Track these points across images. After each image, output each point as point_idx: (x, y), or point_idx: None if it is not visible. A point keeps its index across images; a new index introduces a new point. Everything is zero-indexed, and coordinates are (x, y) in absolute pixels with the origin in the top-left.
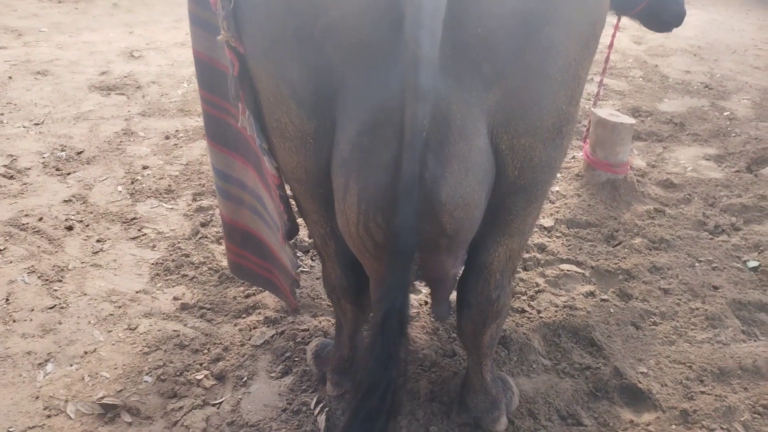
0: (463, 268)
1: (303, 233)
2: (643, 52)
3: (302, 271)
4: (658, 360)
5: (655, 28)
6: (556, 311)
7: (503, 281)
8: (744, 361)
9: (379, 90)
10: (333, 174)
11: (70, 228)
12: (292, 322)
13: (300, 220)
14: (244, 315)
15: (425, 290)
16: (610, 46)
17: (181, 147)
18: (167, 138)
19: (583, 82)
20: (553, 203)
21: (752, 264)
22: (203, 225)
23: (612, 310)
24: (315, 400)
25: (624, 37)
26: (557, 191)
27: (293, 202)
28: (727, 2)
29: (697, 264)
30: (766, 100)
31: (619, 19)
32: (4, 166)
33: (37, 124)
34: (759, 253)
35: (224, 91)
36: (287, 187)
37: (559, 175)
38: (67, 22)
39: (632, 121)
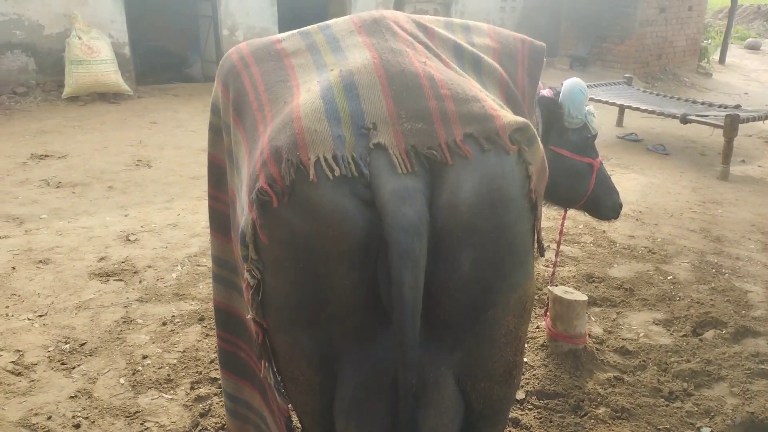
0: None
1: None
2: (592, 218)
3: None
4: None
5: (596, 218)
6: None
7: None
8: None
9: (371, 357)
10: (335, 415)
11: (77, 426)
12: None
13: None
14: None
15: None
16: (560, 233)
17: (177, 333)
18: (164, 324)
19: (524, 339)
20: (523, 375)
21: (705, 430)
22: (202, 415)
23: None
24: None
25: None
26: (525, 361)
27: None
28: (662, 164)
29: None
30: (704, 263)
31: (566, 211)
32: (12, 362)
33: (40, 316)
34: (710, 419)
35: (237, 331)
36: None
37: (526, 345)
38: (65, 207)
39: (584, 297)
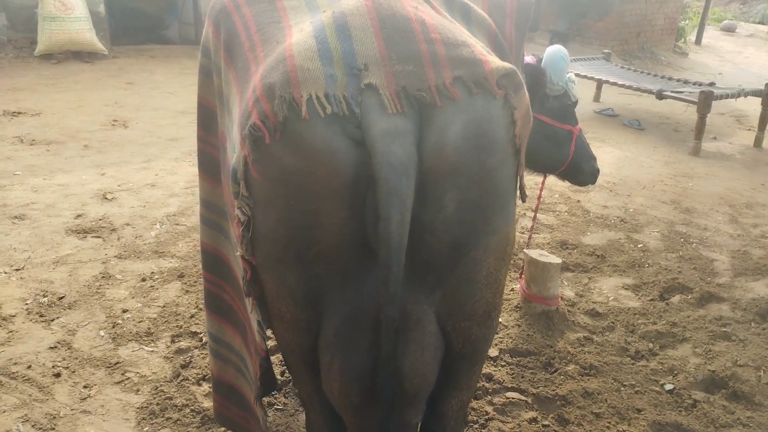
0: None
1: (276, 371)
2: (567, 188)
3: (276, 409)
4: None
5: (575, 184)
6: None
7: (457, 426)
8: None
9: (355, 294)
10: (320, 351)
11: (57, 375)
12: None
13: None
14: None
15: None
16: (538, 198)
17: (157, 289)
18: (144, 280)
19: (503, 282)
20: (498, 333)
21: (668, 387)
22: (183, 367)
23: None
24: None
25: (551, 176)
26: (500, 322)
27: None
28: (636, 139)
29: (622, 389)
30: (673, 232)
31: (545, 177)
32: None
33: (17, 270)
34: (674, 376)
35: (222, 273)
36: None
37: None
38: (40, 164)
39: (558, 260)
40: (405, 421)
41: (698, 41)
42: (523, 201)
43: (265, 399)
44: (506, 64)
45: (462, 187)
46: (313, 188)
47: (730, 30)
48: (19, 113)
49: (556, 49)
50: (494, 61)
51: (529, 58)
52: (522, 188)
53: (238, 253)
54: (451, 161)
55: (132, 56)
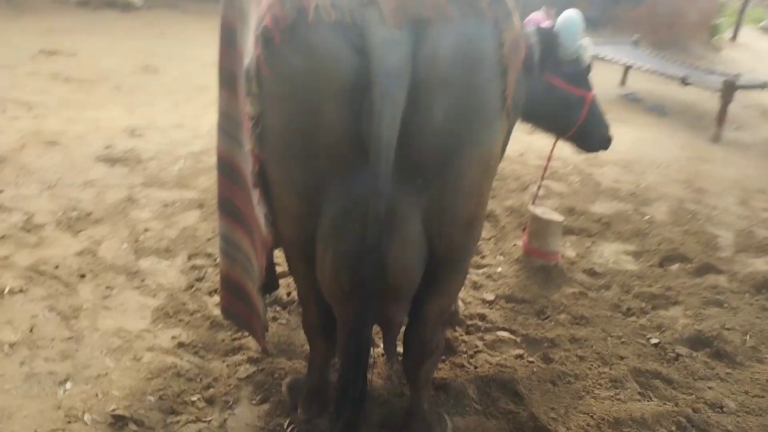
0: (406, 319)
1: (282, 292)
2: (582, 161)
3: (280, 324)
4: (567, 410)
5: (585, 150)
6: (489, 368)
7: (436, 328)
8: (635, 414)
9: (351, 189)
10: (317, 242)
11: (82, 276)
12: (271, 362)
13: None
14: (231, 354)
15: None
16: (549, 158)
17: (177, 215)
18: (165, 206)
19: (487, 194)
20: (496, 281)
21: (654, 341)
22: (197, 280)
23: (535, 370)
24: (287, 422)
25: (567, 147)
26: (500, 272)
27: (281, 266)
28: (658, 123)
29: (609, 338)
30: (681, 209)
31: (556, 140)
32: (22, 221)
33: (49, 188)
34: (660, 332)
35: (235, 179)
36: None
37: (501, 258)
38: (73, 99)
39: (561, 218)
40: (389, 318)
41: (734, 39)
42: (509, 121)
43: (270, 313)
44: None
45: (450, 99)
46: (315, 88)
47: None
48: (55, 52)
49: (570, 15)
50: None
51: (547, 23)
52: (509, 110)
53: (248, 148)
54: (442, 72)
55: (166, 9)
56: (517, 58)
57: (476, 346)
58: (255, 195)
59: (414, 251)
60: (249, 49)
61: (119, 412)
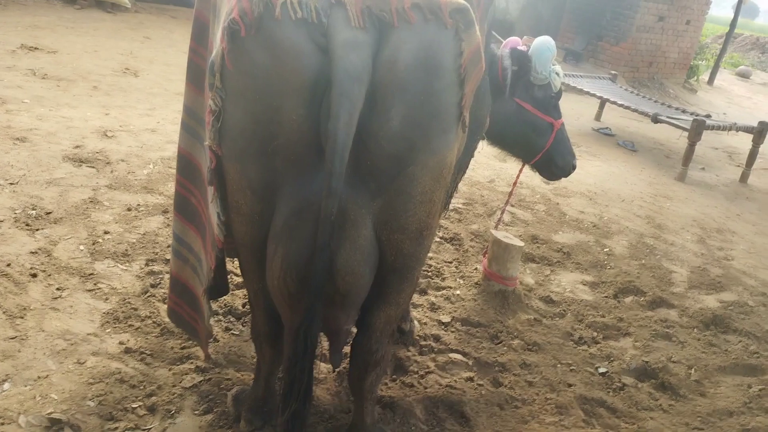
0: (354, 328)
1: (237, 303)
2: (549, 191)
3: (233, 334)
4: None
5: (548, 177)
6: (439, 389)
7: (382, 339)
8: None
9: (304, 189)
10: (268, 242)
11: (34, 275)
12: (219, 372)
13: (239, 293)
14: (178, 362)
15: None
16: (514, 183)
17: (140, 219)
18: (129, 210)
19: (438, 203)
20: (453, 303)
21: (602, 370)
22: (152, 286)
23: (483, 393)
24: None
25: (537, 177)
26: (458, 294)
27: (232, 268)
28: (628, 159)
29: (559, 365)
30: (641, 243)
31: (522, 165)
32: None
33: (12, 184)
34: (609, 362)
35: (193, 177)
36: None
37: (461, 281)
38: (48, 96)
39: (521, 243)
40: (336, 324)
41: (710, 81)
42: (464, 132)
43: (223, 324)
44: (461, 1)
45: (408, 104)
46: (277, 84)
47: (744, 75)
48: (35, 48)
49: (543, 40)
50: None
51: (521, 47)
52: (464, 121)
53: (207, 143)
54: (400, 77)
55: (153, 13)
56: (476, 69)
57: (428, 367)
58: (210, 192)
59: (363, 256)
60: (216, 43)
61: (56, 415)
